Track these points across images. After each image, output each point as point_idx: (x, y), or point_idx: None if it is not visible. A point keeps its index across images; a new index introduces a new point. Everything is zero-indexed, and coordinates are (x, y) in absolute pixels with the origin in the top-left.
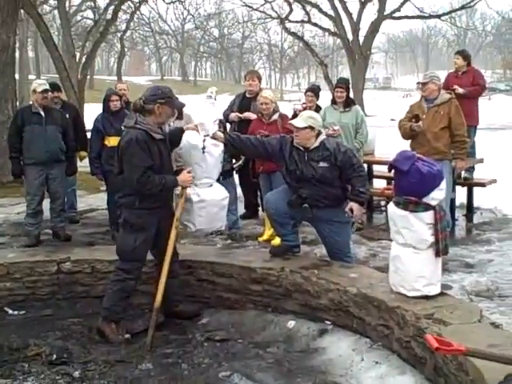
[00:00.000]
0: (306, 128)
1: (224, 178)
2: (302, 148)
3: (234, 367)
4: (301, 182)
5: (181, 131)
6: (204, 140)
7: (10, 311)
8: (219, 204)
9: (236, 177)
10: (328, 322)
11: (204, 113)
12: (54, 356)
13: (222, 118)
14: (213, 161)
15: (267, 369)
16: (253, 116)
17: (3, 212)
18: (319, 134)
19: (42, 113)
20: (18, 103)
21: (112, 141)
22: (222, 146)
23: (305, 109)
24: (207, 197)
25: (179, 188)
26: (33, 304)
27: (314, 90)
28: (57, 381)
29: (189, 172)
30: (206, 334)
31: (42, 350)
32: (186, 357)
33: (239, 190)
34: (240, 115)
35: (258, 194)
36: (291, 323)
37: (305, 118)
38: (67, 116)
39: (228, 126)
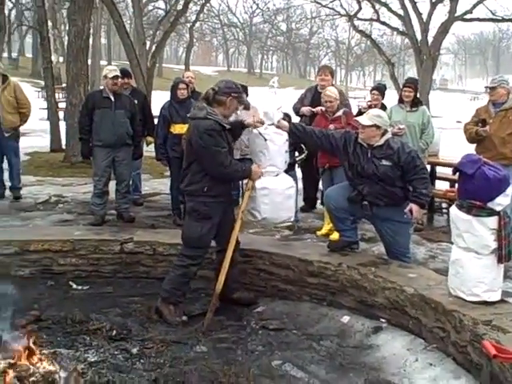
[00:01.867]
0: (371, 126)
1: (286, 170)
2: (365, 145)
3: (286, 357)
4: (362, 179)
5: (241, 125)
6: (265, 128)
7: (74, 286)
8: (283, 193)
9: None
10: (383, 320)
11: (267, 101)
12: (114, 332)
13: (282, 107)
14: (276, 149)
15: (320, 361)
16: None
17: (71, 191)
18: (385, 132)
19: (112, 97)
20: (89, 87)
21: (177, 128)
22: (285, 135)
23: (369, 107)
24: (270, 185)
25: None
26: (95, 280)
27: (380, 89)
28: (115, 355)
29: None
30: (260, 323)
31: (102, 325)
32: (241, 343)
33: (300, 184)
34: (313, 109)
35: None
36: (346, 318)
37: (371, 116)
38: (136, 102)
39: (298, 119)
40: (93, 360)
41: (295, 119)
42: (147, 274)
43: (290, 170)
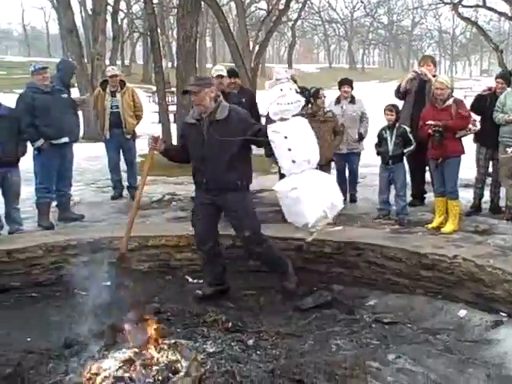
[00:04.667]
0: None
1: (393, 162)
2: None
3: (402, 350)
4: None
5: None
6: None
7: (190, 279)
8: (288, 197)
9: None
10: (503, 314)
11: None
12: (230, 324)
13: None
14: (275, 148)
15: (437, 355)
16: (430, 75)
17: (183, 189)
18: None
19: None
20: None
21: None
22: (283, 132)
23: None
24: (276, 188)
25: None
26: None
27: (505, 76)
28: (232, 347)
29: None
30: (373, 316)
31: (218, 317)
32: (354, 336)
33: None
34: (417, 70)
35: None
36: (462, 312)
37: None
38: (243, 100)
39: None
40: (211, 351)
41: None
42: (259, 267)
43: (396, 161)
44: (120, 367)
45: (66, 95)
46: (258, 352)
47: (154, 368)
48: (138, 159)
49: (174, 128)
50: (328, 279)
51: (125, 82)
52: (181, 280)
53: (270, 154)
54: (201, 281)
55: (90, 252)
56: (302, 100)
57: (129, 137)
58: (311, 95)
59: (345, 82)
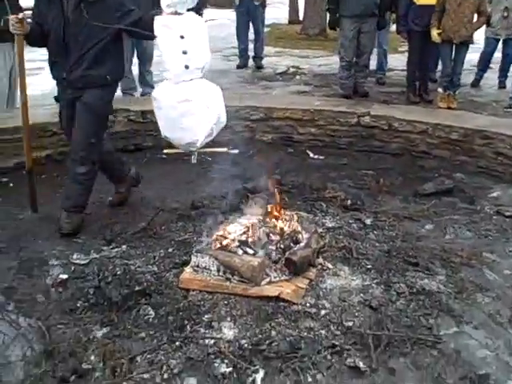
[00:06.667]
0: None
1: None
2: None
3: None
4: None
5: None
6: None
7: (311, 154)
8: (177, 108)
9: None
10: None
11: None
12: (349, 202)
13: None
14: (165, 47)
15: None
16: None
17: (308, 63)
18: None
19: None
20: None
21: None
22: (177, 29)
23: None
24: (160, 96)
25: None
26: (331, 151)
27: None
28: (350, 224)
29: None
30: (495, 208)
31: (337, 194)
32: (473, 226)
33: None
34: None
35: None
36: None
37: None
38: None
39: None
40: (330, 226)
41: None
42: (381, 148)
43: None
44: (244, 232)
45: None
46: (375, 232)
47: (277, 236)
48: (266, 29)
49: (301, 7)
50: (451, 167)
51: None
52: (302, 154)
53: (400, 30)
54: (322, 157)
55: None
56: None
57: (257, 3)
58: None
59: None
